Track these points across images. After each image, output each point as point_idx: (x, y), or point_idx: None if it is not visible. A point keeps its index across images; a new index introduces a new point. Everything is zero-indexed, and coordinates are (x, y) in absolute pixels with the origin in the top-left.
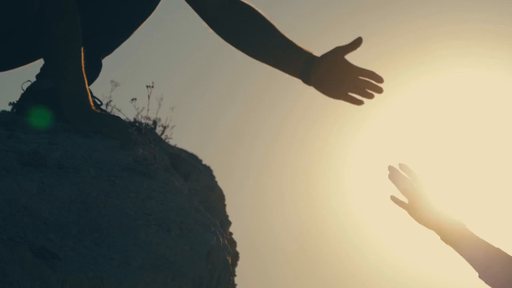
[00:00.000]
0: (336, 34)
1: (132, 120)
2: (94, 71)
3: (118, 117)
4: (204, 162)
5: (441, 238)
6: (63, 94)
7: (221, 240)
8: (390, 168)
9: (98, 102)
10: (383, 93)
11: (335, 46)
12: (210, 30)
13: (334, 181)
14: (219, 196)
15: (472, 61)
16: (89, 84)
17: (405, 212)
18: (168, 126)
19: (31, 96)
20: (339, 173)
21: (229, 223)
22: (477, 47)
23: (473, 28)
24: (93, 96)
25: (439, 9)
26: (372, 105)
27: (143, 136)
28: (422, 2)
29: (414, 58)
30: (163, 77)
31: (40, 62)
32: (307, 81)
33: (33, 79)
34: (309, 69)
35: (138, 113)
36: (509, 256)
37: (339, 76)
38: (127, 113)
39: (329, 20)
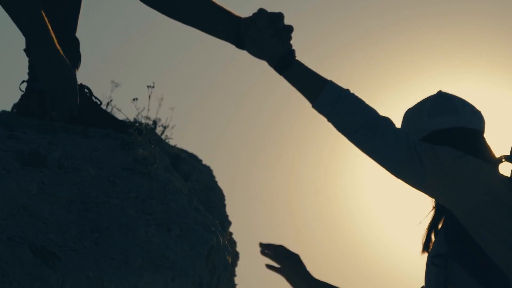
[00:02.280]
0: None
1: (132, 120)
2: (77, 52)
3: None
4: (204, 162)
5: None
6: (25, 27)
7: (221, 240)
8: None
9: (98, 102)
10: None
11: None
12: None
13: (335, 182)
14: (219, 196)
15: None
16: (78, 63)
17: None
18: (168, 126)
19: (31, 96)
20: (340, 173)
21: (229, 223)
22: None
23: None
24: (93, 96)
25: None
26: (385, 110)
27: (143, 136)
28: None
29: (429, 69)
30: (163, 77)
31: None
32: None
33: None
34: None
35: (139, 113)
36: None
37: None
38: (127, 113)
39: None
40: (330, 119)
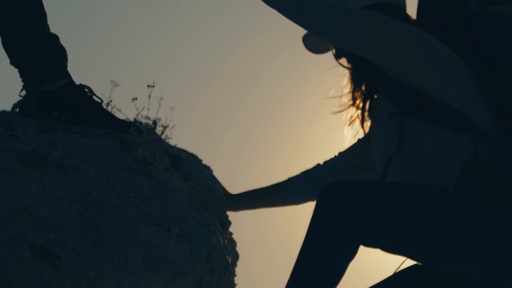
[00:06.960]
0: None
1: (132, 120)
2: (60, 46)
3: None
4: (204, 162)
5: None
6: None
7: (221, 240)
8: None
9: (99, 101)
10: None
11: None
12: None
13: None
14: (219, 196)
15: None
16: (66, 55)
17: None
18: (168, 126)
19: (32, 97)
20: None
21: (229, 223)
22: None
23: None
24: (94, 94)
25: None
26: None
27: (143, 136)
28: None
29: None
30: (163, 77)
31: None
32: None
33: None
34: None
35: (138, 113)
36: None
37: None
38: (127, 113)
39: None
40: None
